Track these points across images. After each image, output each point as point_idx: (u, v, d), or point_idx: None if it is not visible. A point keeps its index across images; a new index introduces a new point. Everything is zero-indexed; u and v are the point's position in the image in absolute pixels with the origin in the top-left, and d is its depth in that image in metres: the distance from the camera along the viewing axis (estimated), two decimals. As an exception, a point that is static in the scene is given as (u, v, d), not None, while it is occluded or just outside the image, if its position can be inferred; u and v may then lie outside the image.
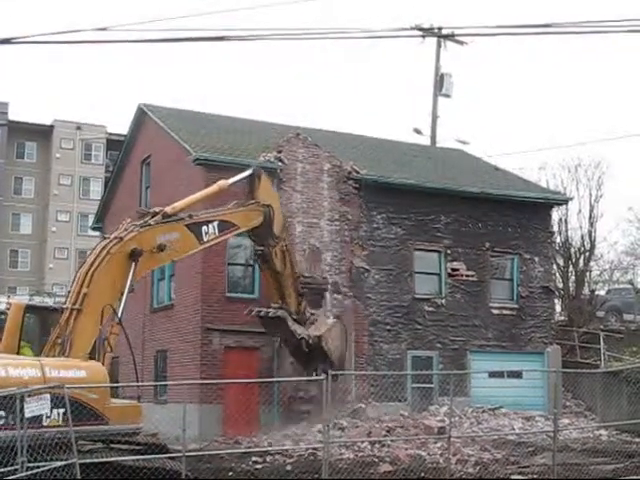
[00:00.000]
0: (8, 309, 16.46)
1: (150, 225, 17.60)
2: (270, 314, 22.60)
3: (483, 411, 25.88)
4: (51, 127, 75.88)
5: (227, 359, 24.20)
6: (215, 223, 19.20)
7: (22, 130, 74.53)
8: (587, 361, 29.59)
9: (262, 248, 21.72)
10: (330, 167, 26.59)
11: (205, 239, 18.93)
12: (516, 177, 33.20)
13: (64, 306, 16.33)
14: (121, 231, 17.20)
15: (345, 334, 24.33)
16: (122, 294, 16.66)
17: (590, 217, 37.55)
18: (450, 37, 39.08)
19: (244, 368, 24.00)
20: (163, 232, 17.70)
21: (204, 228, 18.86)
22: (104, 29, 13.40)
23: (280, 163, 25.58)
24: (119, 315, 16.50)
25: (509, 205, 29.04)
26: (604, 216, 38.83)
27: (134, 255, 16.78)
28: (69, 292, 16.65)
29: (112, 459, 14.06)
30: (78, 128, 75.91)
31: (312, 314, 23.62)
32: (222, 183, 20.31)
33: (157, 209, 18.23)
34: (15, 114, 73.96)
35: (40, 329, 16.74)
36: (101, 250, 16.77)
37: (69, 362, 14.72)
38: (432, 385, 26.15)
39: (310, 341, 22.73)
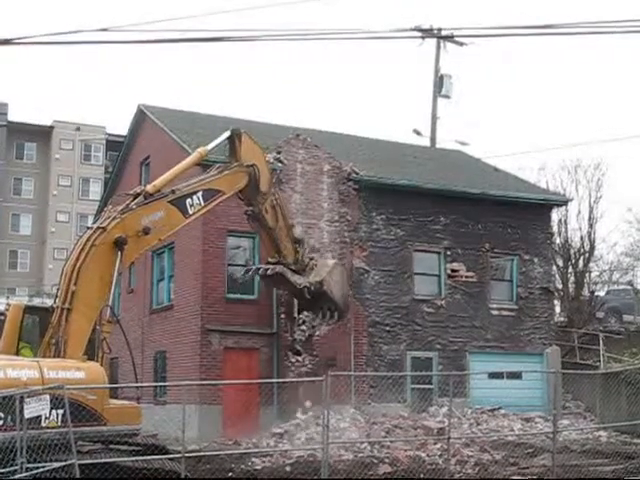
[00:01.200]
0: (7, 310, 16.41)
1: (132, 209, 17.09)
2: (269, 272, 22.32)
3: (482, 412, 25.88)
4: (51, 128, 75.86)
5: (227, 360, 24.19)
6: (199, 193, 18.65)
7: (22, 131, 74.51)
8: (587, 362, 29.59)
9: (251, 208, 21.22)
10: (330, 168, 26.59)
11: (191, 212, 18.42)
12: (516, 178, 33.21)
13: (54, 305, 16.07)
14: (103, 219, 16.81)
15: (345, 275, 24.45)
16: (111, 283, 16.29)
17: (590, 218, 37.60)
18: (450, 38, 39.13)
19: (243, 369, 24.01)
20: (146, 213, 17.21)
21: (188, 201, 18.31)
22: (104, 30, 13.42)
23: (279, 164, 25.56)
24: (109, 302, 16.31)
25: (509, 206, 29.04)
26: (603, 217, 38.92)
27: (119, 243, 16.36)
28: (58, 289, 16.35)
29: (111, 460, 14.04)
30: (77, 129, 75.89)
31: (311, 259, 23.33)
32: (202, 150, 19.69)
33: (138, 189, 17.78)
34: (15, 115, 74.09)
35: (40, 330, 16.67)
36: (85, 242, 16.37)
37: (68, 363, 14.69)
38: (431, 386, 26.14)
39: (312, 288, 22.76)
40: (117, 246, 16.38)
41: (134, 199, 17.40)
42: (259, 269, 22.79)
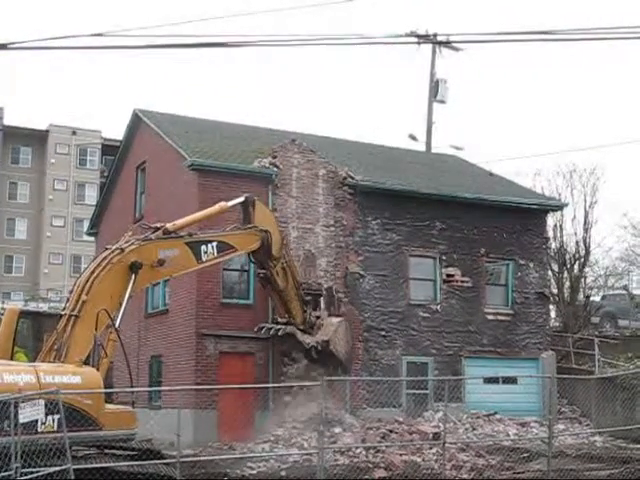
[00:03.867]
0: (2, 314, 16.42)
1: (151, 239, 17.88)
2: (279, 333, 23.71)
3: (478, 417, 25.86)
4: (46, 132, 75.68)
5: (222, 364, 24.18)
6: (214, 243, 19.60)
7: (17, 135, 74.36)
8: (582, 367, 29.58)
9: (264, 271, 22.51)
10: (325, 173, 26.61)
11: (204, 258, 19.30)
12: (511, 183, 33.23)
13: (62, 312, 16.36)
14: (122, 243, 17.40)
15: (350, 331, 25.14)
16: (121, 304, 16.76)
17: (585, 223, 37.56)
18: (445, 43, 39.09)
19: (239, 373, 24.00)
20: (163, 247, 18.02)
21: (203, 247, 19.22)
22: (100, 35, 13.40)
23: (275, 168, 25.59)
24: (117, 324, 16.49)
25: (504, 211, 29.06)
26: (599, 222, 38.88)
27: (134, 267, 17.02)
28: (68, 299, 16.72)
29: (106, 465, 14.02)
30: (73, 133, 75.75)
31: (317, 317, 24.42)
32: (223, 205, 20.85)
33: (159, 224, 18.50)
34: (10, 119, 73.83)
35: (35, 334, 16.71)
36: (102, 260, 16.96)
37: (64, 368, 14.66)
38: (427, 391, 26.15)
39: (319, 347, 23.84)
40: (132, 269, 17.02)
41: (154, 232, 18.18)
42: (270, 329, 23.95)
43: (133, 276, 17.00)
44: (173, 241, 18.42)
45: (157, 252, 17.79)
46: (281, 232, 23.00)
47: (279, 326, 23.82)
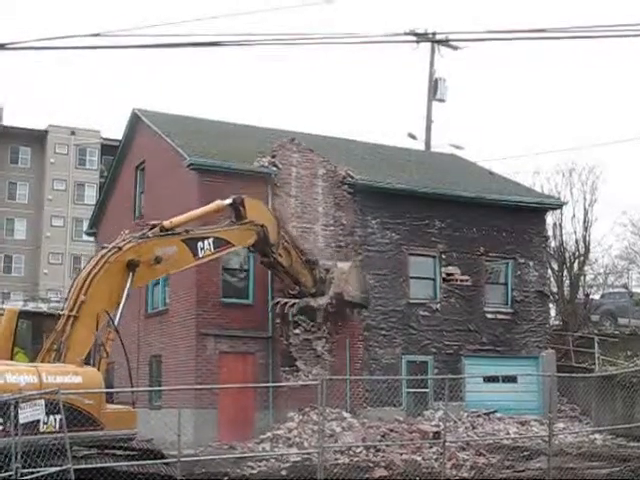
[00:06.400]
0: (2, 315, 16.39)
1: (148, 237, 17.85)
2: (294, 310, 24.07)
3: (478, 416, 25.88)
4: (45, 132, 75.65)
5: (222, 364, 24.18)
6: (211, 239, 19.59)
7: (16, 135, 74.33)
8: (582, 365, 29.57)
9: (266, 259, 22.60)
10: (324, 172, 26.60)
11: (200, 255, 19.31)
12: (510, 181, 33.24)
13: (61, 312, 16.39)
14: (119, 241, 17.38)
15: (361, 270, 25.62)
16: (119, 303, 16.76)
17: (584, 221, 37.58)
18: (444, 42, 39.15)
19: (239, 373, 24.03)
20: (161, 245, 18.01)
21: (200, 244, 19.23)
22: (98, 35, 13.39)
23: (274, 168, 25.58)
24: (115, 323, 16.50)
25: (503, 210, 29.06)
26: (598, 220, 38.88)
27: (131, 265, 17.00)
28: (66, 299, 16.74)
29: (107, 465, 14.00)
30: (72, 133, 75.72)
31: (327, 270, 24.66)
32: (219, 203, 20.80)
33: (155, 222, 18.47)
34: (9, 119, 73.92)
35: (34, 335, 16.68)
36: (100, 258, 16.95)
37: (66, 368, 14.66)
38: (427, 390, 26.14)
39: (333, 301, 24.40)
40: (129, 268, 17.01)
41: (150, 229, 18.15)
42: (284, 306, 24.23)
43: (130, 274, 16.98)
44: (170, 238, 18.39)
45: (154, 250, 17.77)
46: (276, 217, 22.85)
47: (293, 300, 24.13)
